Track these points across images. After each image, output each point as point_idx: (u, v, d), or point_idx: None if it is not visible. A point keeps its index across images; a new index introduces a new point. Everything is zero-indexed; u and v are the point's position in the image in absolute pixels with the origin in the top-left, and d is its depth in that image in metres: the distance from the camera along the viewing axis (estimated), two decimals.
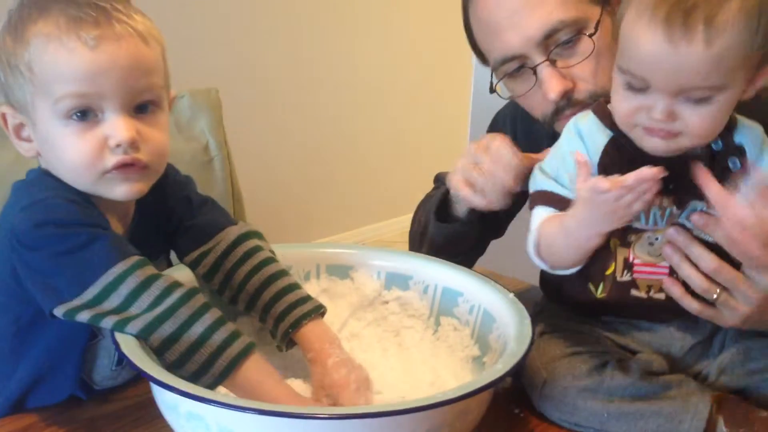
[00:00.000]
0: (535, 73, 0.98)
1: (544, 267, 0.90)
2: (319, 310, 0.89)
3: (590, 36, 0.97)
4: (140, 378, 0.71)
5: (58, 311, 0.75)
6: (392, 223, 3.00)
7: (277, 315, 0.88)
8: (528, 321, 0.81)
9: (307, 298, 0.90)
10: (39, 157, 0.84)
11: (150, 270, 0.77)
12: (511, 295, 0.87)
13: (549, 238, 0.86)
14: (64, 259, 0.76)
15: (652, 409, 0.82)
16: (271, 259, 0.92)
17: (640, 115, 0.80)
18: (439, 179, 1.31)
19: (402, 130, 3.05)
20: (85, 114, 0.78)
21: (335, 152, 2.86)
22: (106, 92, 0.78)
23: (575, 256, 0.86)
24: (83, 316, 0.75)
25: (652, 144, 0.81)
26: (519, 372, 0.89)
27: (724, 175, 0.81)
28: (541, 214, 0.88)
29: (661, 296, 0.86)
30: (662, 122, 0.78)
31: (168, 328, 0.74)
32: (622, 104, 0.81)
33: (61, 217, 0.77)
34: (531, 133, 1.08)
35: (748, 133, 0.84)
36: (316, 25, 2.69)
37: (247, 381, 0.76)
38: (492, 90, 1.06)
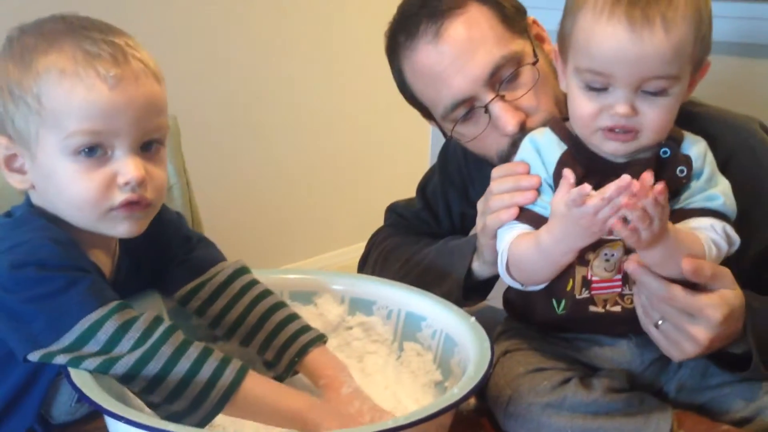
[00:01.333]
0: (487, 111, 1.00)
1: (515, 285, 0.91)
2: (323, 338, 0.90)
3: (534, 64, 1.00)
4: (97, 412, 0.70)
5: (33, 356, 0.74)
6: (354, 249, 2.99)
7: (282, 344, 0.88)
8: (488, 344, 0.82)
9: (309, 327, 0.91)
10: (32, 190, 0.82)
11: (129, 314, 0.76)
12: (473, 319, 0.88)
13: (521, 257, 0.88)
14: (40, 303, 0.74)
15: (615, 425, 0.83)
16: (267, 292, 0.93)
17: (602, 117, 0.84)
18: (392, 210, 1.30)
19: (364, 156, 3.06)
20: (93, 150, 0.78)
21: (296, 179, 2.85)
22: (119, 131, 0.77)
23: (549, 273, 0.87)
24: (60, 359, 0.74)
25: (612, 147, 0.85)
26: (483, 392, 0.89)
27: (671, 182, 0.85)
28: (509, 232, 0.90)
29: (617, 308, 0.87)
30: (624, 118, 0.82)
31: (153, 368, 0.73)
32: (583, 107, 0.85)
33: (43, 259, 0.75)
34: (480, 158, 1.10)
35: (694, 144, 0.89)
36: (277, 51, 2.70)
37: (248, 401, 0.75)
38: (448, 137, 1.07)
